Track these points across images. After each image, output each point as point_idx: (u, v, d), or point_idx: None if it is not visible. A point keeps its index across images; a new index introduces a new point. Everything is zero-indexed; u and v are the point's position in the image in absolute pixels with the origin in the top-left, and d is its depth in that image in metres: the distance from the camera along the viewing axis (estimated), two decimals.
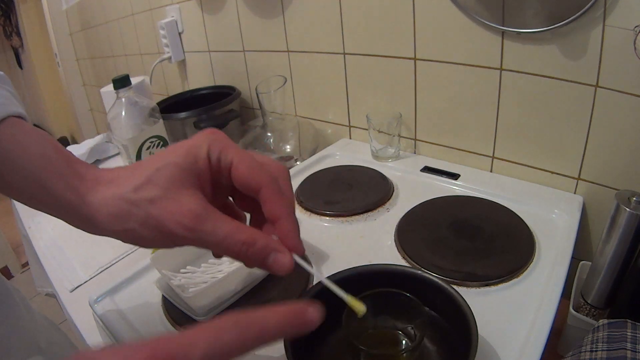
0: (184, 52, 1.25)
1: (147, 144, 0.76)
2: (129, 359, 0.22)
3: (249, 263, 0.31)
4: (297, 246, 0.32)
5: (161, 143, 0.79)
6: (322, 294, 0.40)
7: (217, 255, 0.38)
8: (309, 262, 0.33)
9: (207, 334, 0.24)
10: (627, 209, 0.45)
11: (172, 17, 1.20)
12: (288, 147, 0.90)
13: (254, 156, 0.32)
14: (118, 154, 1.12)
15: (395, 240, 0.57)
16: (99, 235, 0.32)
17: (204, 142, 0.31)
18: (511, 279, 0.48)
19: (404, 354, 0.36)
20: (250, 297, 0.48)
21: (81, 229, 0.33)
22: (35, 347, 0.41)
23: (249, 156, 0.32)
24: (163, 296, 0.50)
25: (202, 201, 0.30)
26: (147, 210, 0.29)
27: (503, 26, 0.61)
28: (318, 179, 0.75)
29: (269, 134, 0.89)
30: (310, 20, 0.86)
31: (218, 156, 0.31)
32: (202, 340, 0.23)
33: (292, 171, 0.79)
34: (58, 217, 0.33)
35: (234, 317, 0.25)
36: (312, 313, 0.28)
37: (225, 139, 0.32)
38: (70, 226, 0.33)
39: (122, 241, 0.32)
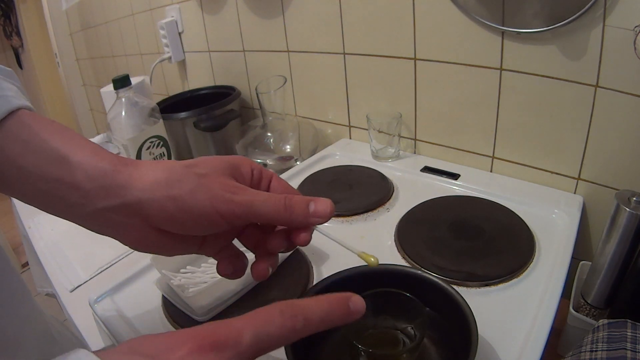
0: (184, 52, 1.25)
1: (147, 144, 0.76)
2: (174, 349, 0.22)
3: (293, 215, 0.32)
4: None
5: (161, 143, 0.79)
6: (325, 291, 0.40)
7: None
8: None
9: (253, 323, 0.25)
10: (627, 209, 0.45)
11: (172, 17, 1.20)
12: (288, 147, 0.90)
13: None
14: (118, 154, 1.12)
15: (395, 240, 0.57)
16: (107, 217, 0.30)
17: (245, 159, 0.35)
18: (511, 279, 0.48)
19: (404, 354, 0.36)
20: (251, 297, 0.48)
21: (90, 207, 0.30)
22: (49, 337, 0.42)
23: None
24: (163, 296, 0.50)
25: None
26: (198, 180, 0.30)
27: (503, 26, 0.61)
28: (318, 179, 0.75)
29: (269, 134, 0.89)
30: (310, 20, 0.86)
31: (260, 170, 0.35)
32: (249, 328, 0.24)
33: (292, 171, 0.79)
34: (68, 197, 0.30)
35: (279, 306, 0.26)
36: (356, 302, 0.29)
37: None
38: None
39: (146, 222, 0.30)
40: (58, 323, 0.46)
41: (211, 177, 0.31)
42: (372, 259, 0.34)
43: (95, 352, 0.22)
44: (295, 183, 0.74)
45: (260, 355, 0.25)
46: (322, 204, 0.33)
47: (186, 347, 0.22)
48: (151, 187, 0.30)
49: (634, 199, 0.45)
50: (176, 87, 1.38)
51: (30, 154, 0.29)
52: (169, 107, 1.07)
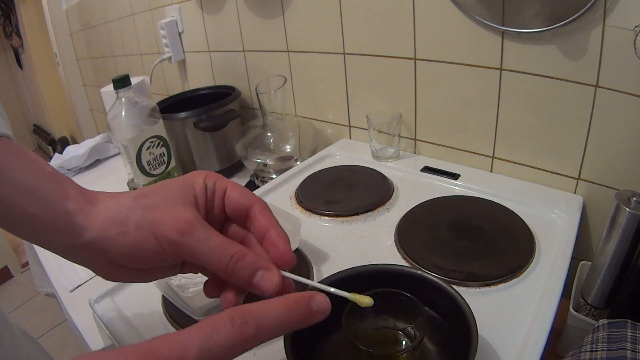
0: (184, 52, 1.25)
1: (147, 144, 0.76)
2: None
3: (234, 278, 0.29)
4: (289, 252, 0.31)
5: (161, 143, 0.79)
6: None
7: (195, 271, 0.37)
8: (305, 276, 0.33)
9: (199, 334, 0.23)
10: (627, 209, 0.45)
11: (172, 17, 1.20)
12: (288, 147, 0.90)
13: None
14: (118, 154, 1.12)
15: (395, 240, 0.57)
16: (76, 254, 0.31)
17: (200, 173, 0.34)
18: (511, 279, 0.48)
19: (404, 354, 0.36)
20: (250, 297, 0.48)
21: (59, 243, 0.31)
22: None
23: (239, 184, 0.34)
24: (163, 296, 0.50)
25: (197, 214, 0.30)
26: (143, 214, 0.30)
27: (503, 26, 0.61)
28: (318, 179, 0.75)
29: (269, 134, 0.89)
30: (310, 20, 0.86)
31: (214, 183, 0.33)
32: (195, 341, 0.23)
33: (292, 171, 0.79)
34: (38, 230, 0.30)
35: (229, 314, 0.24)
36: (319, 303, 0.26)
37: (217, 174, 0.35)
38: None
39: (108, 259, 0.31)
40: (31, 345, 0.45)
41: (161, 210, 0.30)
42: (366, 300, 0.31)
43: None
44: (295, 183, 0.74)
45: None
46: (268, 280, 0.29)
47: None
48: (104, 226, 0.30)
49: (634, 199, 0.45)
50: (176, 87, 1.38)
51: (4, 186, 0.29)
52: (169, 107, 1.07)
